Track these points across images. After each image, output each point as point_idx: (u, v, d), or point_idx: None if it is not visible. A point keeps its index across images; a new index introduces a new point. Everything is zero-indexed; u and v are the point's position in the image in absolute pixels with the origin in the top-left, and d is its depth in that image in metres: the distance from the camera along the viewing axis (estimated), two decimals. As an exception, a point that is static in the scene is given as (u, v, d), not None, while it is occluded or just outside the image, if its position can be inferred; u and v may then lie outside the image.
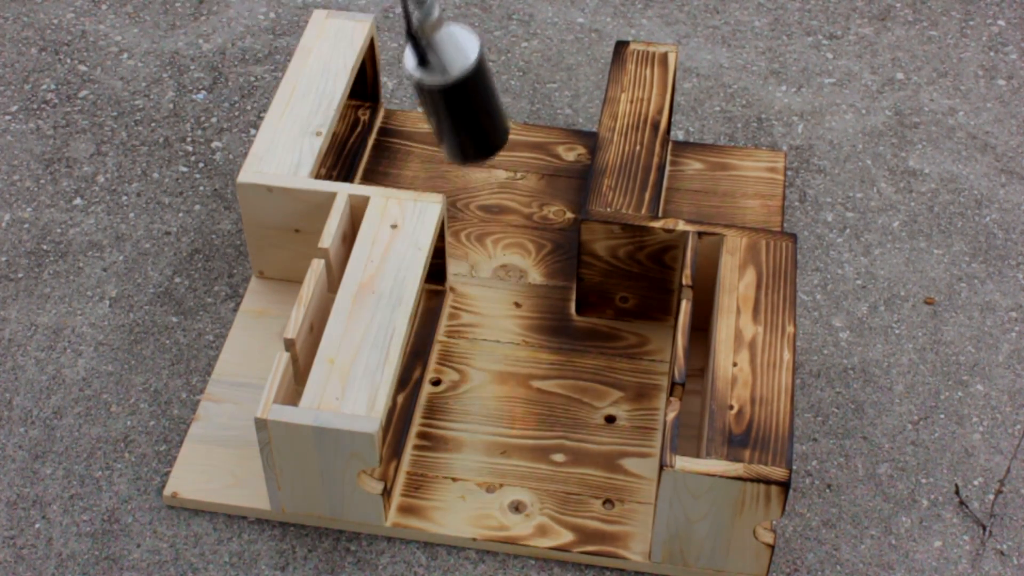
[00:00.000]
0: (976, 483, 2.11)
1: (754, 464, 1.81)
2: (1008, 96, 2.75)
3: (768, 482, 1.80)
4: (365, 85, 2.55)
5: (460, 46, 1.73)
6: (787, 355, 1.95)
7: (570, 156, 2.54)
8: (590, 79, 2.78)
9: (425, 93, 1.77)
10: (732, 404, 1.89)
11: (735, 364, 1.94)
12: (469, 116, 1.78)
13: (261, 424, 1.89)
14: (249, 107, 2.71)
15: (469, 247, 2.38)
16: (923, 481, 2.11)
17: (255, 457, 2.07)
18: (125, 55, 2.83)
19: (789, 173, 2.58)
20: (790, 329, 1.99)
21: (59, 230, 2.47)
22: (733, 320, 2.00)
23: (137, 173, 2.58)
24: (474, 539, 2.00)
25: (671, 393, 1.92)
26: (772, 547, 1.89)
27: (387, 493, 2.00)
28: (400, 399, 2.14)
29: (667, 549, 1.94)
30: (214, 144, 2.64)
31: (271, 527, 2.04)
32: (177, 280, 2.39)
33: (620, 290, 2.23)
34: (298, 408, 1.89)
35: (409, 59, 1.74)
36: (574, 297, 2.30)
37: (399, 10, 2.94)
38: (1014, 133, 2.67)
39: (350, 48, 2.43)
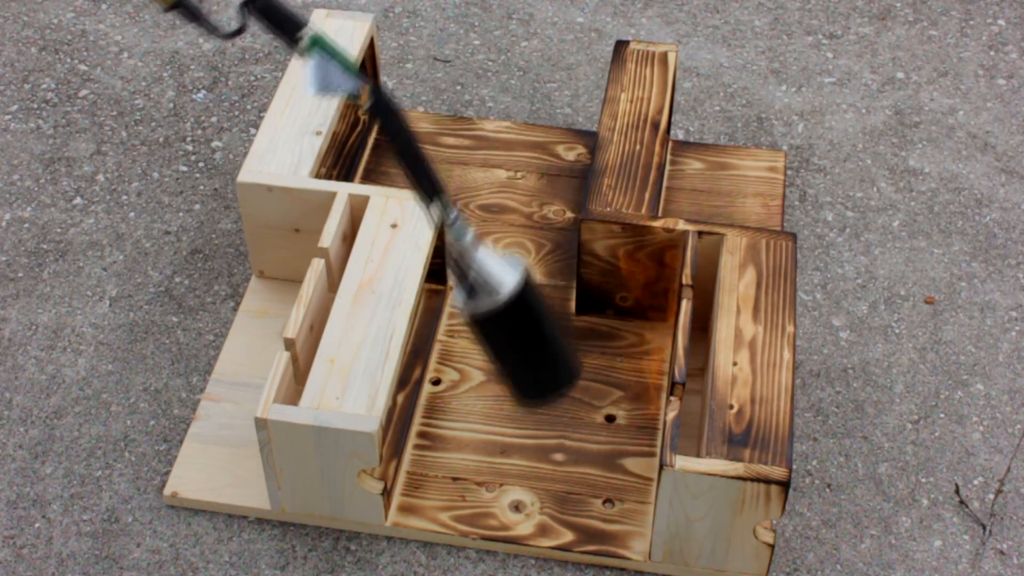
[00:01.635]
0: (976, 483, 2.11)
1: (754, 464, 1.81)
2: (1008, 95, 2.74)
3: (768, 481, 1.80)
4: (365, 85, 2.55)
5: (502, 266, 1.61)
6: (787, 354, 1.95)
7: (570, 156, 2.54)
8: (590, 79, 2.78)
9: (480, 326, 1.64)
10: (732, 404, 1.89)
11: (735, 364, 1.94)
12: (528, 343, 1.65)
13: (261, 424, 1.89)
14: (249, 107, 2.71)
15: (469, 247, 2.38)
16: (923, 481, 2.11)
17: (255, 457, 2.07)
18: (125, 55, 2.83)
19: (789, 173, 2.58)
20: (790, 329, 1.99)
21: (59, 230, 2.47)
22: (733, 320, 2.00)
23: (137, 172, 2.58)
24: (474, 539, 2.00)
25: (671, 393, 1.92)
26: (772, 546, 1.89)
27: (387, 493, 2.00)
28: (400, 399, 2.14)
29: (667, 549, 1.94)
30: (214, 144, 2.64)
31: (271, 527, 2.04)
32: (177, 280, 2.39)
33: (620, 290, 2.23)
34: (298, 408, 1.89)
35: (458, 296, 1.64)
36: (574, 297, 2.30)
37: (399, 10, 2.95)
38: (1014, 132, 2.67)
39: (350, 47, 2.42)
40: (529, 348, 1.62)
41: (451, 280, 1.63)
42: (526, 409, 1.79)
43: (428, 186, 1.58)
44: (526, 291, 1.60)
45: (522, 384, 1.70)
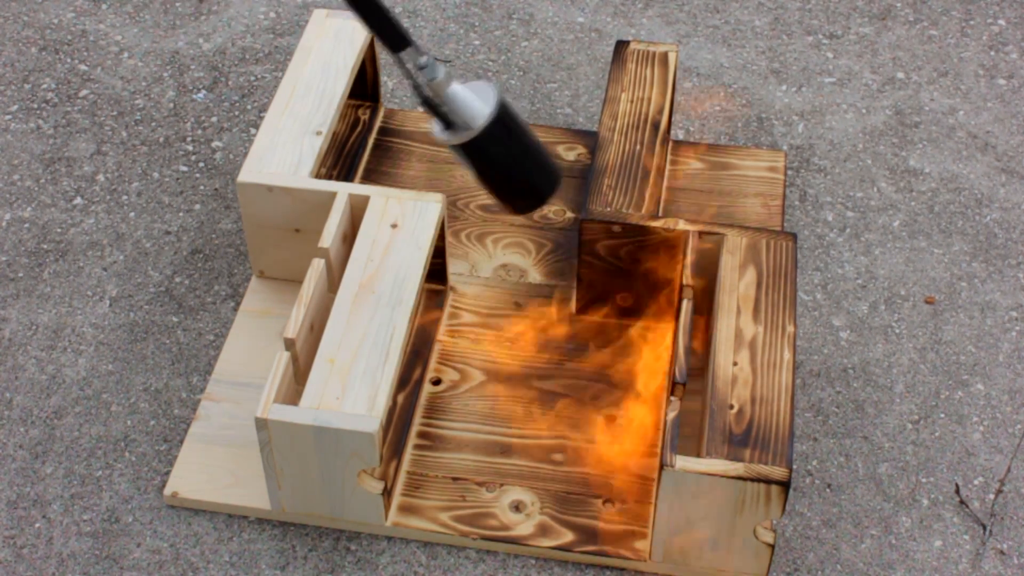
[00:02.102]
0: (976, 483, 2.11)
1: (754, 464, 1.81)
2: (1008, 95, 2.74)
3: (768, 482, 1.80)
4: (365, 84, 2.55)
5: (476, 99, 1.73)
6: (787, 355, 1.95)
7: (570, 156, 2.54)
8: (590, 79, 2.78)
9: (460, 153, 1.78)
10: (732, 404, 1.89)
11: (735, 364, 1.94)
12: (508, 165, 1.78)
13: (261, 424, 1.89)
14: (249, 107, 2.71)
15: (469, 247, 2.38)
16: (923, 481, 2.11)
17: (255, 457, 2.07)
18: (125, 55, 2.83)
19: (789, 173, 2.58)
20: (790, 329, 1.99)
21: (59, 230, 2.47)
22: (733, 320, 2.00)
23: (137, 173, 2.58)
24: (474, 539, 2.00)
25: (672, 393, 1.92)
26: (772, 547, 1.89)
27: (387, 493, 2.00)
28: (400, 399, 2.14)
29: (667, 549, 1.94)
30: (214, 144, 2.64)
31: (271, 527, 2.04)
32: (177, 280, 2.39)
33: (620, 290, 2.23)
34: (298, 408, 1.89)
35: (435, 126, 1.75)
36: (574, 297, 2.29)
37: (399, 10, 2.95)
38: (1014, 133, 2.67)
39: (350, 47, 2.42)
40: (510, 166, 1.78)
41: (426, 112, 1.74)
42: (517, 213, 1.96)
43: (394, 35, 1.66)
44: (501, 116, 1.73)
45: (510, 195, 1.84)
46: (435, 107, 1.72)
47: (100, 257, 2.43)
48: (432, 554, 2.01)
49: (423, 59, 1.68)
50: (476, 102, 1.73)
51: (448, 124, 1.74)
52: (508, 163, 1.79)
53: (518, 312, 2.28)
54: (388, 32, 1.65)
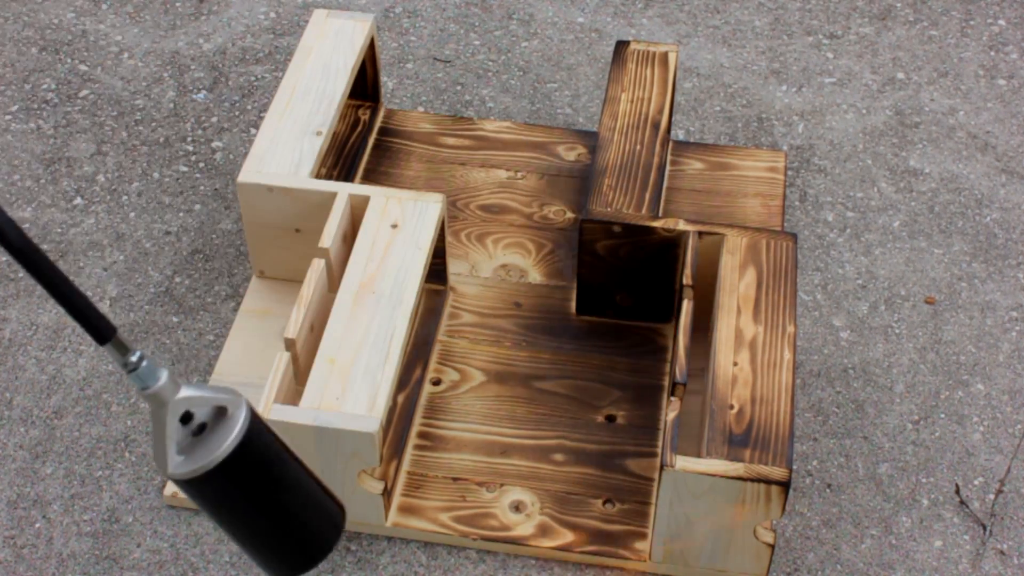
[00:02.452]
0: (976, 483, 2.11)
1: (754, 464, 1.81)
2: (1008, 96, 2.74)
3: (768, 482, 1.80)
4: (365, 85, 2.55)
5: (221, 432, 1.23)
6: (787, 355, 1.95)
7: (570, 156, 2.54)
8: (590, 79, 2.78)
9: (190, 491, 1.25)
10: (732, 404, 1.89)
11: (735, 364, 1.94)
12: (260, 510, 1.26)
13: (261, 424, 1.88)
14: (249, 107, 2.71)
15: (469, 247, 2.38)
16: (923, 481, 2.11)
17: (255, 457, 2.07)
18: (125, 55, 2.83)
19: (789, 173, 2.58)
20: (790, 329, 1.99)
21: (59, 230, 2.47)
22: (733, 320, 2.00)
23: (137, 173, 2.58)
24: (474, 539, 2.00)
25: (672, 393, 1.92)
26: (772, 547, 1.89)
27: (387, 493, 2.00)
28: (400, 399, 2.14)
29: (667, 549, 1.94)
30: (214, 144, 2.64)
31: None
32: (177, 280, 2.39)
33: (620, 290, 2.23)
34: (299, 408, 1.89)
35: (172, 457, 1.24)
36: (574, 297, 2.29)
37: (399, 10, 2.95)
38: (1014, 133, 2.66)
39: (350, 48, 2.42)
40: (263, 517, 1.28)
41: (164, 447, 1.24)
42: None
43: (94, 321, 1.21)
44: (249, 443, 1.23)
45: (264, 553, 1.31)
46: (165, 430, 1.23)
47: (100, 257, 2.43)
48: (432, 554, 2.01)
49: (132, 357, 1.22)
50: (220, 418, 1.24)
51: (186, 448, 1.24)
52: (252, 515, 1.26)
53: (518, 312, 2.28)
54: (84, 311, 1.20)
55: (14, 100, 2.72)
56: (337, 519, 1.30)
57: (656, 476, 2.05)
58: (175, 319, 2.32)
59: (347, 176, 2.45)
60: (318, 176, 2.36)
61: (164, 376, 1.22)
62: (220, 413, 1.23)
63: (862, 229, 2.48)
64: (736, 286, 2.05)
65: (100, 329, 1.19)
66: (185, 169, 2.58)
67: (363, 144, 2.53)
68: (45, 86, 2.75)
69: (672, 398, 1.91)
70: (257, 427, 1.22)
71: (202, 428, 1.22)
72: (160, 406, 1.22)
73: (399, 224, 2.15)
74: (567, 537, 1.99)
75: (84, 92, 2.74)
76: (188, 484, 1.22)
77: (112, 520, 2.05)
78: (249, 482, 1.23)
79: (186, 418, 1.22)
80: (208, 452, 1.21)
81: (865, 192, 2.55)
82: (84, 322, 1.19)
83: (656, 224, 2.14)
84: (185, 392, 1.22)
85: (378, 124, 2.58)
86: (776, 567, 2.00)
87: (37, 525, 2.05)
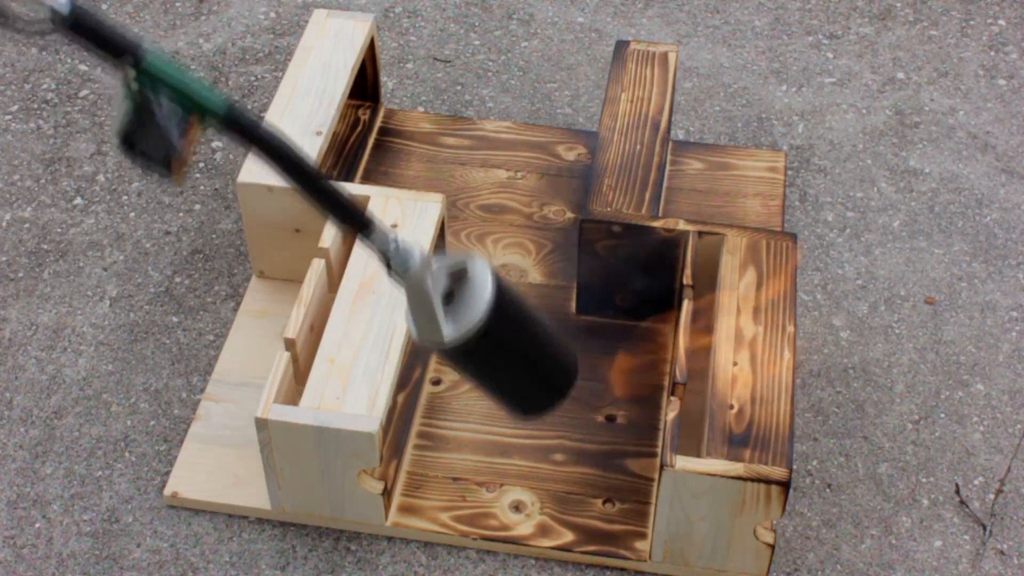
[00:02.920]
0: (976, 483, 2.11)
1: (754, 464, 1.81)
2: (1008, 96, 2.74)
3: (768, 482, 1.80)
4: (365, 85, 2.55)
5: (472, 290, 1.27)
6: (787, 355, 1.95)
7: (570, 156, 2.54)
8: (590, 79, 2.78)
9: (448, 357, 1.33)
10: (732, 404, 1.89)
11: (735, 364, 1.94)
12: (513, 365, 1.35)
13: (262, 424, 1.89)
14: (249, 107, 2.71)
15: (469, 247, 2.38)
16: (923, 481, 2.11)
17: (255, 457, 2.07)
18: (125, 55, 2.82)
19: (789, 173, 2.58)
20: (790, 329, 1.99)
21: (59, 230, 2.47)
22: (733, 320, 2.00)
23: (137, 173, 2.58)
24: (474, 539, 2.00)
25: (672, 393, 1.92)
26: (772, 547, 1.89)
27: (387, 493, 2.00)
28: (400, 399, 2.14)
29: (667, 549, 1.94)
30: (214, 144, 2.64)
31: (271, 527, 2.04)
32: (177, 280, 2.39)
33: (620, 290, 2.23)
34: (298, 408, 1.89)
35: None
36: (574, 297, 2.29)
37: (399, 10, 2.95)
38: (1014, 133, 2.66)
39: (350, 48, 2.42)
40: (522, 361, 1.37)
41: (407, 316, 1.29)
42: (529, 421, 1.54)
43: (352, 213, 1.25)
44: (501, 308, 1.29)
45: (521, 399, 1.45)
46: (424, 306, 1.29)
47: (100, 257, 2.43)
48: (432, 554, 2.01)
49: (391, 241, 1.26)
50: (472, 299, 1.28)
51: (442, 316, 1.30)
52: (513, 363, 1.36)
53: (518, 312, 2.28)
54: (344, 213, 1.24)
55: (14, 100, 2.72)
56: (574, 355, 1.37)
57: (656, 476, 2.05)
58: (175, 319, 2.32)
59: (347, 176, 2.45)
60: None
61: (417, 254, 1.23)
62: (460, 276, 1.24)
63: (862, 229, 2.48)
64: (736, 286, 2.05)
65: (362, 219, 1.21)
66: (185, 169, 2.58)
67: (363, 144, 2.53)
68: (45, 86, 2.75)
69: (672, 398, 1.91)
70: (499, 279, 1.26)
71: (450, 296, 1.24)
72: (418, 282, 1.23)
73: (399, 224, 2.15)
74: (567, 537, 1.99)
75: (84, 92, 2.74)
76: (460, 348, 1.24)
77: (112, 520, 2.05)
78: (508, 328, 1.26)
79: (448, 296, 1.25)
80: (470, 311, 1.23)
81: (865, 192, 2.55)
82: (346, 215, 1.21)
83: (656, 224, 2.14)
84: (435, 262, 1.25)
85: (378, 124, 2.58)
86: (776, 567, 2.00)
87: (37, 525, 2.05)
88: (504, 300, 1.27)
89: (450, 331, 1.26)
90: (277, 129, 1.16)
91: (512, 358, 1.30)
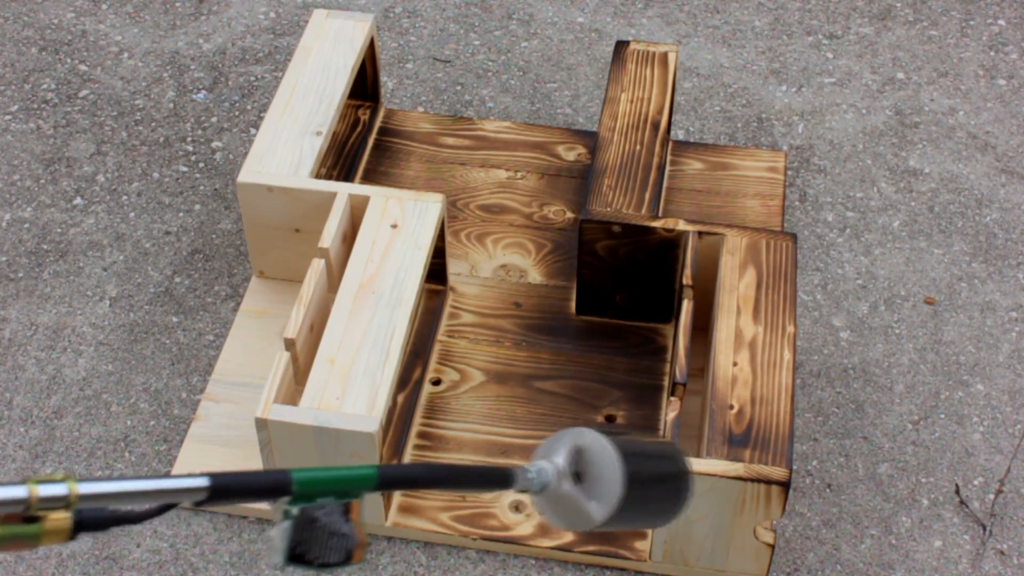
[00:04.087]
0: (976, 483, 2.11)
1: (754, 464, 1.81)
2: (1008, 96, 2.74)
3: (768, 482, 1.80)
4: (365, 85, 2.55)
5: (597, 462, 1.30)
6: (787, 355, 1.95)
7: (570, 156, 2.54)
8: (590, 79, 2.78)
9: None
10: (732, 404, 1.89)
11: (735, 364, 1.94)
12: (649, 512, 1.37)
13: (261, 424, 1.88)
14: (249, 107, 2.71)
15: (469, 247, 2.38)
16: (923, 481, 2.11)
17: (255, 457, 2.07)
18: (125, 55, 2.83)
19: (789, 173, 2.58)
20: (790, 329, 1.99)
21: (59, 230, 2.47)
22: (733, 320, 2.00)
23: (137, 173, 2.58)
24: (474, 539, 2.00)
25: (672, 393, 1.92)
26: (772, 547, 1.89)
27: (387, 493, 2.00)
28: (400, 399, 2.14)
29: (667, 549, 1.94)
30: (214, 144, 2.64)
31: (271, 527, 2.04)
32: (177, 280, 2.39)
33: (620, 290, 2.23)
34: (298, 408, 1.89)
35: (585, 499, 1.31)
36: (574, 297, 2.29)
37: (399, 10, 2.95)
38: (1014, 133, 2.66)
39: (350, 48, 2.42)
40: (661, 493, 1.40)
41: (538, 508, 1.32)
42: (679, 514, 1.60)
43: (494, 477, 1.30)
44: (626, 455, 1.32)
45: (667, 516, 1.46)
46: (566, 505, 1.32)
47: (100, 257, 2.43)
48: (432, 554, 2.01)
49: (530, 476, 1.30)
50: (599, 482, 1.30)
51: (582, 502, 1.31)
52: (655, 498, 1.41)
53: (518, 312, 2.28)
54: (490, 480, 1.28)
55: (14, 100, 2.72)
56: (680, 454, 1.42)
57: (656, 476, 2.05)
58: (175, 319, 2.32)
59: (347, 176, 2.45)
60: (318, 176, 2.36)
61: (550, 470, 1.28)
62: (578, 455, 1.29)
63: (862, 229, 2.48)
64: (736, 286, 2.05)
65: (506, 478, 1.26)
66: (185, 169, 2.58)
67: (363, 144, 2.53)
68: (45, 86, 2.75)
69: (672, 398, 1.91)
70: (611, 437, 1.29)
71: (578, 476, 1.29)
72: (557, 492, 1.28)
73: (399, 224, 2.15)
74: (567, 537, 1.99)
75: (84, 92, 2.74)
76: (613, 519, 1.29)
77: (112, 520, 2.05)
78: (641, 476, 1.31)
79: (577, 476, 1.29)
80: (607, 485, 1.28)
81: (865, 192, 2.55)
82: (494, 482, 1.26)
83: (656, 224, 2.14)
84: (558, 461, 1.28)
85: (378, 124, 2.58)
86: (776, 567, 2.00)
87: (102, 477, 2.05)
88: (627, 454, 1.31)
89: (599, 510, 1.29)
90: (421, 465, 1.20)
91: (652, 495, 1.36)
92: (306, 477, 1.13)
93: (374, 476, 1.15)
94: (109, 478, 1.13)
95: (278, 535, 1.15)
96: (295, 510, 1.14)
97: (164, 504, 1.08)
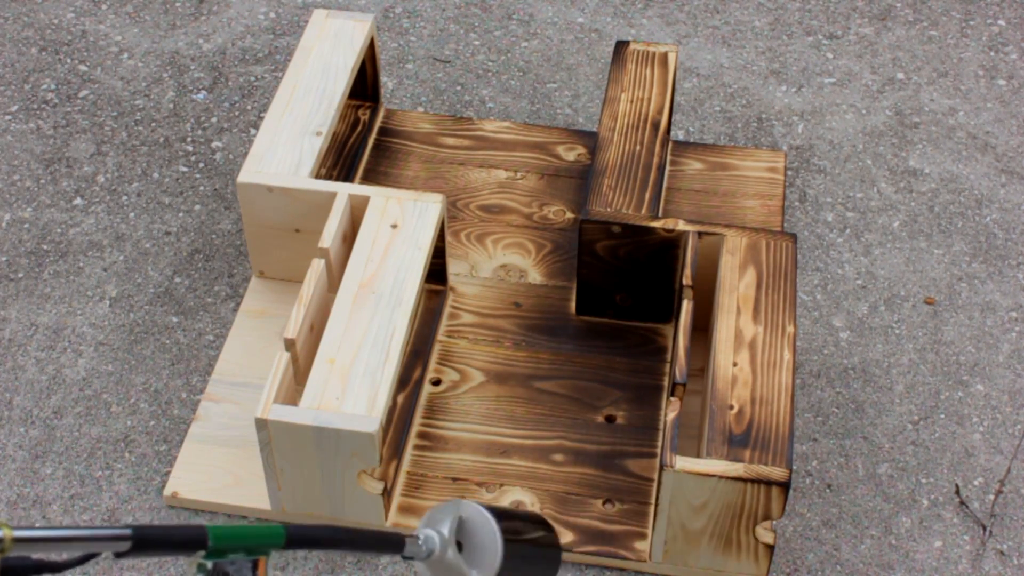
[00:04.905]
0: (976, 483, 2.11)
1: (754, 464, 1.81)
2: (1008, 96, 2.74)
3: (768, 482, 1.80)
4: (365, 85, 2.55)
5: (476, 531, 1.39)
6: (787, 355, 1.95)
7: (570, 156, 2.54)
8: (590, 79, 2.78)
9: None
10: (732, 404, 1.89)
11: (735, 364, 1.94)
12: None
13: (261, 424, 1.88)
14: (249, 107, 2.71)
15: (469, 247, 2.38)
16: (923, 481, 2.11)
17: (255, 457, 2.07)
18: (125, 55, 2.83)
19: (789, 173, 2.58)
20: (790, 329, 1.99)
21: (59, 230, 2.47)
22: (733, 320, 2.00)
23: (137, 173, 2.58)
24: (474, 539, 2.00)
25: (672, 393, 1.92)
26: (772, 547, 1.89)
27: (387, 493, 2.00)
28: (400, 399, 2.14)
29: (667, 549, 1.94)
30: (214, 144, 2.64)
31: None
32: (177, 280, 2.39)
33: (620, 290, 2.23)
34: (298, 408, 1.89)
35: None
36: (574, 297, 2.29)
37: (400, 10, 2.95)
38: (1014, 133, 2.66)
39: (350, 48, 2.42)
40: (536, 559, 1.51)
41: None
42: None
43: (388, 542, 1.36)
44: (505, 526, 1.41)
45: None
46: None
47: (100, 257, 2.43)
48: (432, 554, 2.01)
49: (419, 543, 1.36)
50: (477, 551, 1.39)
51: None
52: (529, 563, 1.49)
53: (518, 312, 2.28)
54: (384, 544, 1.34)
55: (14, 100, 2.72)
56: (551, 527, 1.54)
57: (656, 476, 2.05)
58: (175, 319, 2.32)
59: (347, 176, 2.45)
60: (318, 176, 2.36)
61: (436, 539, 1.35)
62: (461, 524, 1.38)
63: (862, 229, 2.48)
64: (736, 286, 2.05)
65: (398, 543, 1.32)
66: (185, 169, 2.58)
67: (363, 144, 2.53)
68: (45, 86, 2.75)
69: (672, 398, 1.91)
70: (491, 512, 1.40)
71: (460, 545, 1.38)
72: (441, 559, 1.36)
73: (399, 224, 2.15)
74: (567, 537, 1.99)
75: (84, 92, 2.74)
76: None
77: (112, 520, 2.05)
78: (518, 545, 1.42)
79: (459, 546, 1.38)
80: (486, 553, 1.38)
81: (865, 192, 2.55)
82: (384, 548, 1.33)
83: (656, 224, 2.14)
84: (443, 531, 1.36)
85: (378, 124, 2.58)
86: (776, 567, 2.00)
87: (37, 525, 2.05)
88: (504, 526, 1.41)
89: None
90: (325, 526, 1.28)
91: (528, 563, 1.46)
92: (221, 532, 1.19)
93: (282, 534, 1.22)
94: (43, 526, 1.19)
95: None
96: (209, 564, 1.19)
97: (86, 554, 1.12)
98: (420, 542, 1.35)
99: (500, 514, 1.42)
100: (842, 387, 2.23)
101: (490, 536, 1.39)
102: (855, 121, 2.69)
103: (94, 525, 1.32)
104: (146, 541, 1.12)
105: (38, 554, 1.05)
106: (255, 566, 1.22)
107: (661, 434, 2.11)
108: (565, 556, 1.99)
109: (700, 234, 2.12)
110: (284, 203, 2.22)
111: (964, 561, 2.02)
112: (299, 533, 1.24)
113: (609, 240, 2.16)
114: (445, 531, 1.37)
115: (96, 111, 2.70)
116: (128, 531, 1.11)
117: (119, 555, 1.11)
